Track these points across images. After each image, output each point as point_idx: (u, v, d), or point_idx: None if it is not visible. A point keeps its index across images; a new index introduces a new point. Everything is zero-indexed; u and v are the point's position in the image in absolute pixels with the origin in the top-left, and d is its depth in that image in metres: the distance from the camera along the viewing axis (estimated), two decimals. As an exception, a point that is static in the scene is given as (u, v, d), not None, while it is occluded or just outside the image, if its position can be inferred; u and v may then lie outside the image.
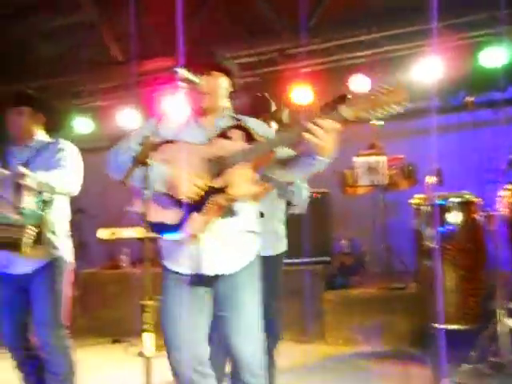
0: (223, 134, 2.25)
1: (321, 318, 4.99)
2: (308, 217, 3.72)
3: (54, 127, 3.28)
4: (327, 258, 5.39)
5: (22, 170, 2.76)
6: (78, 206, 7.84)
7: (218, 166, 2.20)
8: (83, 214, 7.40)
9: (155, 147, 2.25)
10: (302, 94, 5.59)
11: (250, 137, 2.20)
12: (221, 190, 2.18)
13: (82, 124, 6.80)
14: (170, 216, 2.24)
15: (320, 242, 5.30)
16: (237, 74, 2.42)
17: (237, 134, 2.22)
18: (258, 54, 5.55)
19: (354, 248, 6.06)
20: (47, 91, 5.68)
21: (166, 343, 2.27)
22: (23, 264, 2.89)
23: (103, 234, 5.81)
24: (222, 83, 2.35)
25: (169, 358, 2.27)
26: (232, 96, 2.44)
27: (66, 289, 3.01)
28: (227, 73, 2.36)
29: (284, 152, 2.27)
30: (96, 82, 6.39)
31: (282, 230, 3.21)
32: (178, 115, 2.42)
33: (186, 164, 2.22)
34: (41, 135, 3.18)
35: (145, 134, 2.12)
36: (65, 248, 3.04)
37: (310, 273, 5.14)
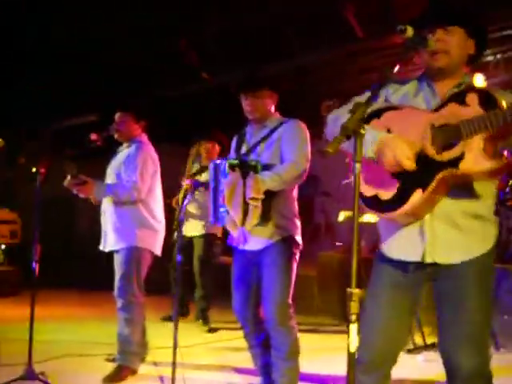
0: (458, 99, 1.89)
1: None
2: None
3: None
4: None
5: (254, 194, 2.76)
6: (323, 189, 8.09)
7: (447, 135, 1.86)
8: (328, 198, 7.58)
9: (378, 114, 2.03)
10: None
11: (490, 102, 1.79)
12: (450, 164, 1.84)
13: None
14: (385, 190, 1.97)
15: None
16: (483, 29, 2.02)
17: (474, 99, 1.83)
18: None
19: None
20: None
21: (360, 336, 2.05)
22: (256, 241, 2.96)
23: (342, 217, 5.77)
24: (460, 39, 1.97)
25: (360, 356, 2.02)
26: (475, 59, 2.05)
27: (294, 268, 3.00)
28: (468, 25, 1.97)
29: None
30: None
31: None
32: (407, 79, 2.14)
33: (407, 131, 1.93)
34: (275, 114, 3.17)
35: (358, 100, 1.90)
36: (294, 228, 3.02)
37: None
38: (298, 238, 3.04)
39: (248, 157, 3.02)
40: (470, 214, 1.95)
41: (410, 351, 4.33)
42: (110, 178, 3.81)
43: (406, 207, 1.90)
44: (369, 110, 2.05)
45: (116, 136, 3.84)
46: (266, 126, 3.09)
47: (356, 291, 1.57)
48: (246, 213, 2.79)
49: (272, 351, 2.99)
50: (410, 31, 1.80)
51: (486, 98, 1.80)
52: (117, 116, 3.85)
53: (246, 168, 2.84)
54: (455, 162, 1.83)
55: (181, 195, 5.26)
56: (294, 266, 3.00)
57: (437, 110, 1.94)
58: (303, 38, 6.10)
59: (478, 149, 1.78)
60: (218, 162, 3.01)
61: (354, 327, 1.58)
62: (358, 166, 1.58)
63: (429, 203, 1.91)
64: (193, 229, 5.36)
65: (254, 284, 3.04)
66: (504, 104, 1.75)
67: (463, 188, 1.91)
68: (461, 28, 1.96)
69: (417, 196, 1.88)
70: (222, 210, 2.89)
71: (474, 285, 1.93)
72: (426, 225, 1.95)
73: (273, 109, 3.14)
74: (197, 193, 5.22)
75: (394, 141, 1.91)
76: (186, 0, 5.88)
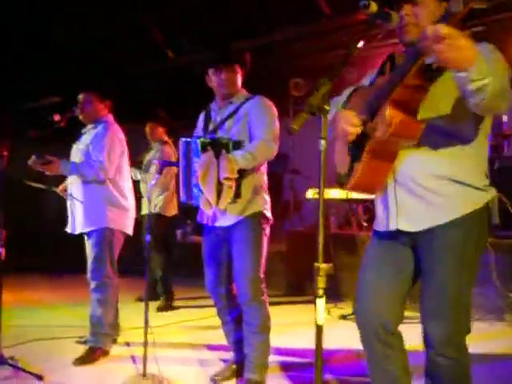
0: (382, 69, 1.97)
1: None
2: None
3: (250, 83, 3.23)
4: None
5: (228, 174, 2.76)
6: (292, 167, 8.12)
7: (372, 107, 1.90)
8: (297, 175, 7.61)
9: (348, 99, 2.09)
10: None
11: (394, 67, 1.87)
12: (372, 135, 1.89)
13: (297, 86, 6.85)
14: (343, 164, 2.03)
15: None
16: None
17: (387, 67, 1.91)
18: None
19: None
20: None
21: (355, 305, 2.12)
22: (226, 217, 2.98)
23: (310, 193, 5.81)
24: (431, 9, 1.90)
25: (356, 322, 2.10)
26: None
27: (265, 243, 3.03)
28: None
29: None
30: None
31: None
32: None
33: (357, 108, 1.98)
34: (242, 90, 3.16)
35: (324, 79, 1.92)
36: (263, 203, 3.04)
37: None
38: (268, 213, 3.06)
39: (216, 134, 3.01)
40: (436, 177, 1.90)
41: (344, 317, 4.47)
42: (75, 159, 3.75)
43: (352, 181, 1.96)
44: (346, 95, 2.15)
45: (81, 117, 3.78)
46: (232, 102, 3.08)
47: (323, 266, 1.60)
48: (219, 193, 2.80)
49: (244, 326, 3.03)
50: (373, 6, 1.80)
51: (392, 63, 1.88)
52: (81, 96, 3.77)
53: (217, 146, 2.83)
54: (373, 132, 1.86)
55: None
56: (265, 240, 3.02)
57: (372, 83, 2.01)
58: (269, 16, 6.06)
59: (383, 115, 1.78)
60: (189, 140, 2.99)
61: (320, 301, 1.61)
62: (323, 142, 1.59)
63: (374, 173, 1.95)
64: (144, 208, 5.31)
65: (225, 260, 3.07)
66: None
67: (431, 151, 1.90)
68: None
69: (357, 169, 1.94)
70: (195, 189, 2.89)
71: (442, 255, 1.90)
72: (389, 192, 1.98)
73: (240, 85, 3.13)
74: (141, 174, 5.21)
75: (341, 113, 1.99)
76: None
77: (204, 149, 2.83)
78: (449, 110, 1.84)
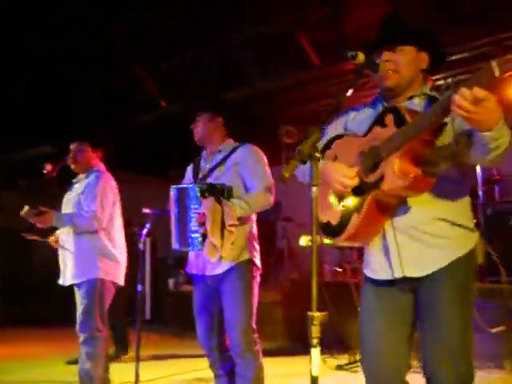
0: (379, 121, 1.94)
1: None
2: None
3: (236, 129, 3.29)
4: None
5: (232, 221, 2.80)
6: (284, 215, 8.12)
7: (372, 157, 1.91)
8: (290, 223, 7.60)
9: (329, 144, 2.11)
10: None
11: (401, 119, 1.83)
12: (375, 186, 1.89)
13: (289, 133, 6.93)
14: (334, 215, 2.02)
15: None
16: (435, 44, 2.04)
17: (390, 119, 1.88)
18: (470, 49, 4.95)
19: None
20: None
21: (363, 356, 2.06)
22: (216, 265, 2.94)
23: (304, 241, 5.79)
24: (410, 56, 1.98)
25: (366, 375, 2.05)
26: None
27: (256, 291, 2.98)
28: (415, 42, 1.98)
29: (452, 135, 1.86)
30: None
31: None
32: (366, 105, 2.17)
33: (346, 158, 2.00)
34: (229, 139, 3.21)
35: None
36: (253, 251, 3.02)
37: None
38: (258, 261, 3.03)
39: (205, 181, 3.01)
40: (435, 222, 1.93)
41: (340, 367, 4.37)
42: (67, 209, 3.73)
43: (348, 231, 1.96)
44: (324, 142, 2.15)
45: (73, 166, 3.78)
46: (220, 150, 3.12)
47: (317, 315, 1.57)
48: (224, 239, 2.80)
49: (236, 378, 2.94)
50: (361, 57, 1.84)
51: (397, 116, 1.85)
52: (73, 146, 3.79)
53: (215, 192, 2.85)
54: (378, 183, 1.87)
55: None
56: (256, 289, 2.98)
57: (365, 134, 2.00)
58: (260, 66, 6.20)
59: (393, 168, 1.80)
60: (183, 186, 3.00)
61: (315, 351, 1.57)
62: (314, 189, 1.60)
63: (373, 223, 1.95)
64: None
65: (217, 311, 3.00)
66: (408, 119, 1.80)
67: (426, 195, 1.91)
68: (409, 45, 1.97)
69: (354, 219, 1.93)
70: (195, 235, 2.86)
71: (446, 295, 1.91)
72: (389, 240, 1.97)
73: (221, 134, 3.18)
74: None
75: (332, 166, 2.01)
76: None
77: (203, 195, 2.84)
78: None
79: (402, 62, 1.97)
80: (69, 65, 6.36)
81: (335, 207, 2.03)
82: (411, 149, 1.79)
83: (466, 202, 2.00)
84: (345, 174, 1.96)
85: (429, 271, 1.92)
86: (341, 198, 2.01)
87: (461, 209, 1.97)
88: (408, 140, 1.77)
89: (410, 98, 2.01)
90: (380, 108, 2.07)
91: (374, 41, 2.00)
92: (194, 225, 2.84)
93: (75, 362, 3.64)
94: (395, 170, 1.79)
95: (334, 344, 5.05)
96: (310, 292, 1.57)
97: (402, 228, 1.95)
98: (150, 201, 5.42)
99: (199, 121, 3.15)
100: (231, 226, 2.79)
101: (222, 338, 3.02)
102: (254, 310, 2.95)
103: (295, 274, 7.15)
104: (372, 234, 2.00)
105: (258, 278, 3.02)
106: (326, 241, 5.22)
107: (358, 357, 4.68)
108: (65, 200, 3.79)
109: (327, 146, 2.14)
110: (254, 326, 2.94)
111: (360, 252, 5.33)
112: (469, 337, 1.93)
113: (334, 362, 4.78)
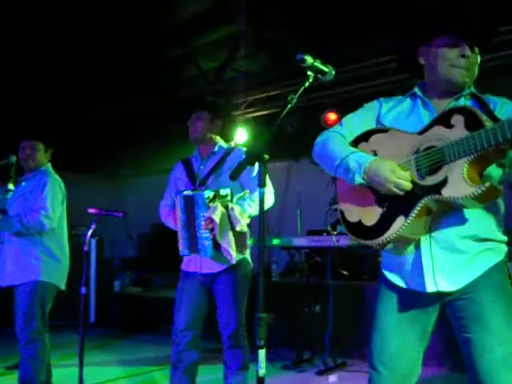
0: (443, 120, 1.80)
1: None
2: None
3: (227, 135, 3.34)
4: None
5: (242, 222, 2.87)
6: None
7: (432, 158, 1.78)
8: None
9: (365, 137, 1.99)
10: None
11: (475, 123, 1.68)
12: (433, 190, 1.75)
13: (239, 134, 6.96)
14: (369, 216, 1.89)
15: None
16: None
17: (459, 120, 1.74)
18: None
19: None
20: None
21: (379, 368, 1.95)
22: (211, 265, 3.01)
23: (251, 242, 5.79)
24: (478, 59, 1.91)
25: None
26: None
27: (247, 289, 3.07)
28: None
29: None
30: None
31: None
32: (401, 97, 2.08)
33: (393, 155, 1.86)
34: (221, 142, 3.25)
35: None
36: (247, 251, 3.09)
37: None
38: (249, 258, 3.13)
39: (205, 187, 3.07)
40: (470, 237, 1.84)
41: (320, 373, 4.42)
42: (12, 208, 3.60)
43: (388, 235, 1.82)
44: (356, 134, 2.03)
45: (23, 164, 3.67)
46: (214, 153, 3.19)
47: (264, 316, 1.58)
48: (235, 242, 2.88)
49: (224, 367, 3.06)
50: (309, 60, 1.87)
51: (472, 119, 1.71)
52: (24, 144, 3.68)
53: (221, 198, 2.91)
54: (438, 188, 1.75)
55: None
56: (248, 286, 3.08)
57: (422, 132, 1.86)
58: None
59: (461, 173, 1.69)
60: (190, 194, 3.00)
61: (262, 352, 1.57)
62: (262, 190, 1.60)
63: (417, 229, 1.83)
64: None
65: (200, 305, 3.08)
66: (489, 124, 1.67)
67: (459, 211, 1.82)
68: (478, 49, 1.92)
69: (399, 223, 1.80)
70: (205, 241, 2.90)
71: (491, 298, 1.81)
72: (423, 251, 1.86)
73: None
74: None
75: (386, 164, 1.84)
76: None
77: (211, 201, 2.90)
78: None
79: (476, 63, 1.92)
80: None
81: (374, 207, 1.89)
82: (484, 156, 1.68)
83: (502, 214, 1.94)
84: (401, 176, 1.80)
85: (462, 285, 1.83)
86: (383, 197, 1.87)
87: (491, 221, 1.89)
88: (486, 148, 1.64)
89: (458, 97, 1.94)
90: (424, 103, 1.98)
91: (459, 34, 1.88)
92: (203, 231, 2.91)
93: (15, 367, 3.52)
94: (465, 177, 1.68)
95: (280, 344, 5.11)
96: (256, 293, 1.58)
97: (441, 239, 1.84)
98: (96, 201, 5.32)
99: (199, 118, 3.16)
100: (241, 226, 2.87)
101: (197, 331, 3.08)
102: (245, 306, 3.06)
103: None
104: (410, 241, 1.86)
105: (251, 275, 3.11)
106: (274, 242, 5.29)
107: (304, 356, 4.75)
108: (8, 200, 3.66)
109: (363, 137, 2.00)
110: (244, 321, 3.06)
111: (307, 253, 5.38)
112: None
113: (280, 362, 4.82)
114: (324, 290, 4.62)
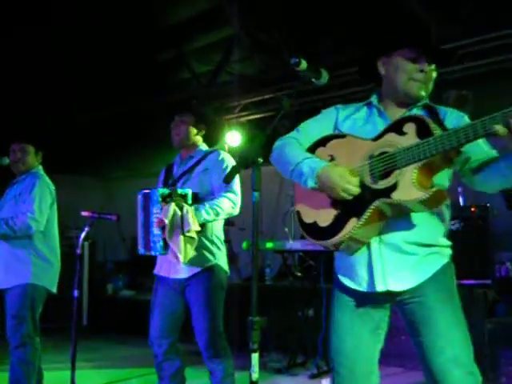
0: (395, 128, 1.89)
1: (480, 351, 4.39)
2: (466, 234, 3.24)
3: (212, 140, 3.32)
4: (488, 282, 4.75)
5: (193, 227, 2.79)
6: (228, 219, 8.12)
7: (384, 164, 1.86)
8: (232, 227, 7.60)
9: (323, 142, 2.04)
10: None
11: (425, 130, 1.78)
12: (384, 194, 1.83)
13: (232, 137, 6.94)
14: (323, 217, 1.96)
15: (479, 263, 4.70)
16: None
17: (411, 128, 1.83)
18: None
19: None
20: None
21: (339, 369, 2.02)
22: (182, 270, 2.96)
23: (246, 245, 5.80)
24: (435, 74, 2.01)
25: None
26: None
27: (223, 296, 3.02)
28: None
29: (480, 152, 1.88)
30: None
31: None
32: (358, 105, 2.14)
33: (349, 160, 1.94)
34: (202, 146, 3.24)
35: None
36: (221, 256, 3.05)
37: (468, 297, 4.56)
38: (224, 265, 3.07)
39: (174, 187, 3.03)
40: (414, 243, 1.93)
41: (313, 376, 4.41)
42: (3, 211, 3.58)
43: (341, 235, 1.89)
44: (313, 140, 2.09)
45: (13, 167, 3.66)
46: (192, 156, 3.16)
47: (257, 319, 1.57)
48: (184, 245, 2.80)
49: (209, 375, 3.01)
50: (304, 64, 1.88)
51: (423, 128, 1.80)
52: (15, 147, 3.66)
53: (177, 197, 2.86)
54: (388, 192, 1.82)
55: None
56: (223, 294, 3.03)
57: (377, 138, 1.94)
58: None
59: (411, 178, 1.77)
60: (148, 191, 2.98)
61: (255, 356, 1.57)
62: (256, 194, 1.61)
63: (368, 231, 1.90)
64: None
65: (173, 312, 3.03)
66: (438, 133, 1.76)
67: (405, 216, 1.90)
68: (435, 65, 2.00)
69: (351, 224, 1.87)
70: (157, 239, 2.88)
71: (438, 301, 1.90)
72: (373, 253, 1.94)
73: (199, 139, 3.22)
74: None
75: (335, 170, 1.92)
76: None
77: (164, 200, 2.85)
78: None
79: (433, 78, 2.01)
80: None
81: (329, 209, 1.96)
82: (432, 162, 1.77)
83: (447, 221, 2.02)
84: (350, 181, 1.89)
85: (411, 285, 1.91)
86: (338, 200, 1.93)
87: (436, 228, 1.98)
88: (434, 154, 1.74)
89: (412, 108, 2.02)
90: (378, 112, 2.06)
91: (421, 53, 1.96)
92: (155, 228, 2.87)
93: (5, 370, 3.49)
94: (414, 182, 1.76)
95: (273, 347, 5.09)
96: (250, 297, 1.57)
97: (389, 242, 1.93)
98: (88, 203, 5.29)
99: (184, 122, 3.14)
100: (191, 231, 2.79)
101: (173, 338, 3.04)
102: (221, 314, 2.98)
103: (237, 278, 7.14)
104: (363, 243, 1.94)
105: (225, 282, 3.06)
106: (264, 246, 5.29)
107: (297, 360, 4.74)
108: (1, 203, 3.64)
109: (321, 143, 2.07)
110: (222, 329, 2.98)
111: (300, 257, 5.39)
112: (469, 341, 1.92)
113: (271, 365, 4.81)
114: (317, 293, 4.61)
